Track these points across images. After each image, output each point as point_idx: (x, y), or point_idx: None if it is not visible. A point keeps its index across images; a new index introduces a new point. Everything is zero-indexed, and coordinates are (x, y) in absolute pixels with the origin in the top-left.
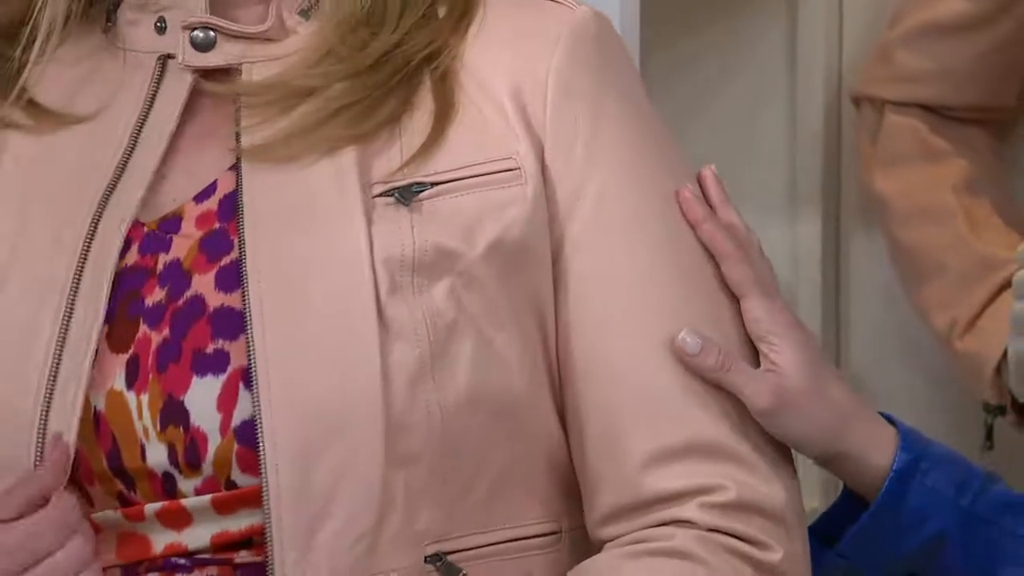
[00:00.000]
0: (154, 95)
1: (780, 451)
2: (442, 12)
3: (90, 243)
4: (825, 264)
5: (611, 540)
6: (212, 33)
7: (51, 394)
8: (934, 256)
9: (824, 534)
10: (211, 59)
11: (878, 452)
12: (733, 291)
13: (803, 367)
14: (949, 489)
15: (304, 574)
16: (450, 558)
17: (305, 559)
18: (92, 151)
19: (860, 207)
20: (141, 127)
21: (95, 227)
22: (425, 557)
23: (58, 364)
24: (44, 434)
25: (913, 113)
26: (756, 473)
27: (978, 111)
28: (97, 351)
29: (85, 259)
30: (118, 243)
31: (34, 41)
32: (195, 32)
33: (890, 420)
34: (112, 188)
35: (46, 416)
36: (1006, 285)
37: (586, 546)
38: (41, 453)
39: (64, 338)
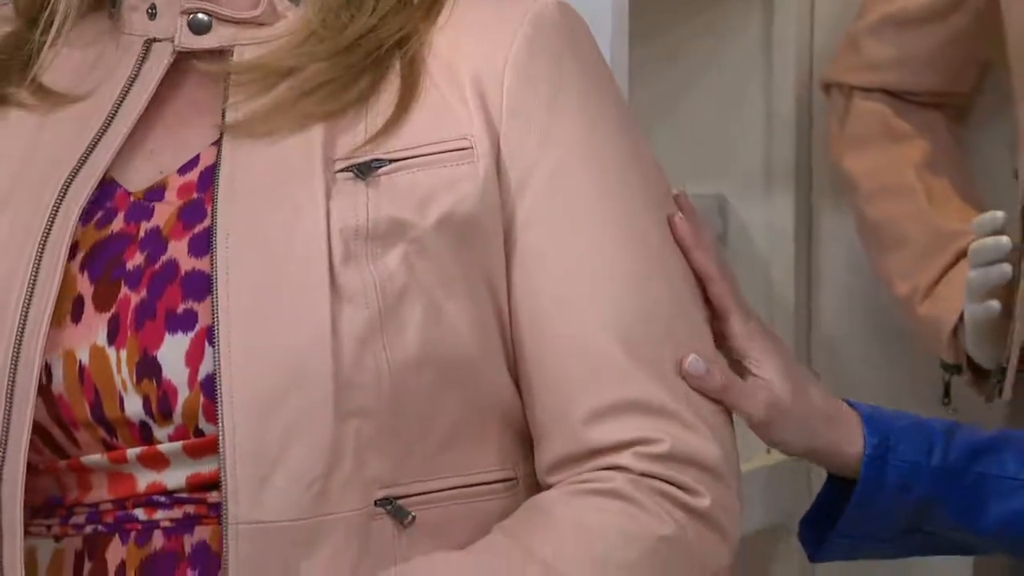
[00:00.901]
0: (135, 76)
1: (719, 416)
2: (412, 1)
3: (60, 202)
4: (798, 236)
5: (557, 485)
6: (208, 17)
7: (19, 347)
8: (897, 229)
9: (818, 520)
10: (206, 41)
11: (849, 442)
12: (717, 311)
13: (786, 376)
14: (920, 456)
15: (256, 515)
16: (400, 502)
17: (258, 500)
18: (80, 125)
19: (830, 184)
20: (122, 103)
21: (67, 187)
22: (375, 501)
23: (25, 319)
24: (13, 385)
25: (878, 98)
26: (693, 431)
27: (937, 96)
28: (69, 307)
29: (54, 217)
30: (82, 201)
31: (51, 25)
32: (192, 16)
33: (852, 406)
34: (88, 154)
35: (15, 368)
36: (962, 255)
37: (540, 491)
38: (8, 418)
39: (32, 292)
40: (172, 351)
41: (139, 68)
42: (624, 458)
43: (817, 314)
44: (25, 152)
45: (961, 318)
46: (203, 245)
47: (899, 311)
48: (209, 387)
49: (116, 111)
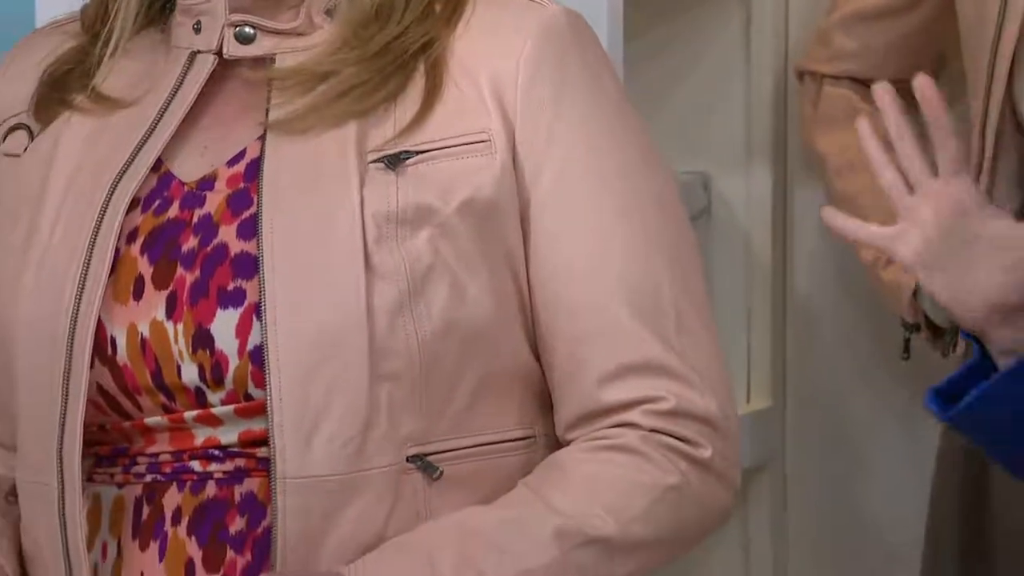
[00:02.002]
0: (180, 83)
1: (718, 373)
2: (438, 8)
3: (112, 193)
4: (775, 207)
5: (574, 441)
6: (252, 30)
7: (75, 321)
8: (863, 201)
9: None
10: (251, 50)
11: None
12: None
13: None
14: None
15: (301, 471)
16: (430, 458)
17: (303, 457)
18: (130, 127)
19: (803, 161)
20: (167, 107)
21: (118, 180)
22: (407, 457)
23: (80, 296)
24: (71, 355)
25: (845, 85)
26: (694, 388)
27: (898, 83)
28: (115, 284)
29: (107, 207)
30: (131, 191)
31: (110, 39)
32: (238, 28)
33: None
34: (137, 151)
35: (72, 339)
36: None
37: (558, 447)
38: (67, 382)
39: (87, 271)
40: (223, 325)
41: (183, 76)
42: (634, 415)
43: (792, 277)
44: (83, 152)
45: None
46: (250, 230)
47: (865, 275)
48: (257, 356)
49: (162, 114)
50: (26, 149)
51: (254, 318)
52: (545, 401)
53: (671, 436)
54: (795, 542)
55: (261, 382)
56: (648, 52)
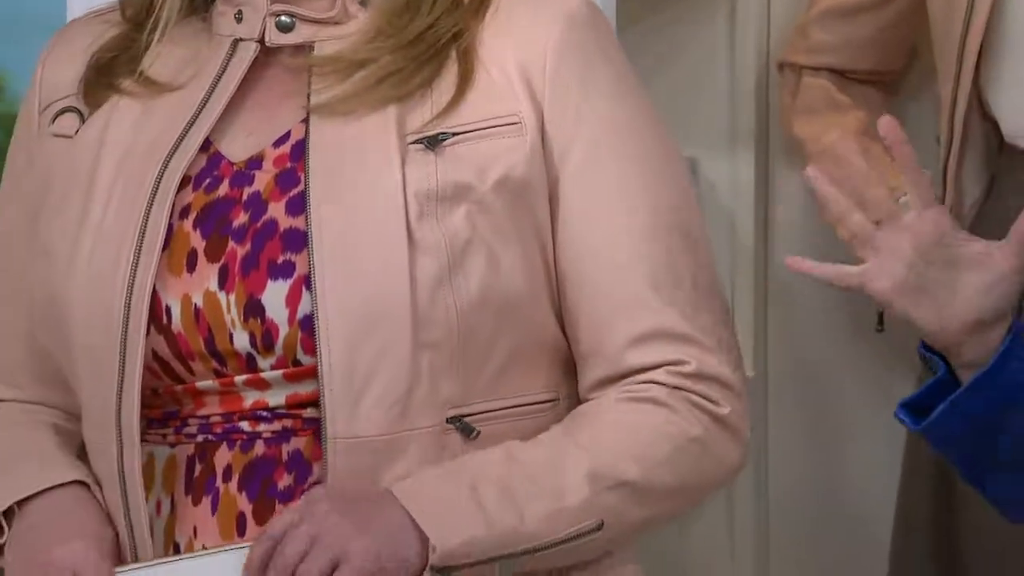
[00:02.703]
0: (224, 68)
1: (731, 339)
2: (466, 0)
3: (163, 171)
4: (757, 189)
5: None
6: (291, 19)
7: (131, 292)
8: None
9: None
10: (290, 38)
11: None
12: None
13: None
14: None
15: (349, 432)
16: (467, 419)
17: (351, 419)
18: (178, 109)
19: (784, 148)
20: (212, 91)
21: (169, 159)
22: (447, 419)
23: (136, 268)
24: (127, 323)
25: (823, 76)
26: (711, 353)
27: (873, 74)
28: (167, 257)
29: (158, 183)
30: (181, 170)
31: (155, 28)
32: (280, 18)
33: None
34: (185, 132)
35: (128, 309)
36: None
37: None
38: (124, 349)
39: (141, 245)
40: (274, 295)
41: (227, 62)
42: (658, 375)
43: (773, 255)
44: (134, 132)
45: None
46: (298, 206)
47: (842, 253)
48: (307, 325)
49: (208, 97)
50: (77, 131)
51: (303, 289)
52: (568, 366)
53: (694, 394)
54: (775, 503)
55: (310, 349)
56: (638, 42)
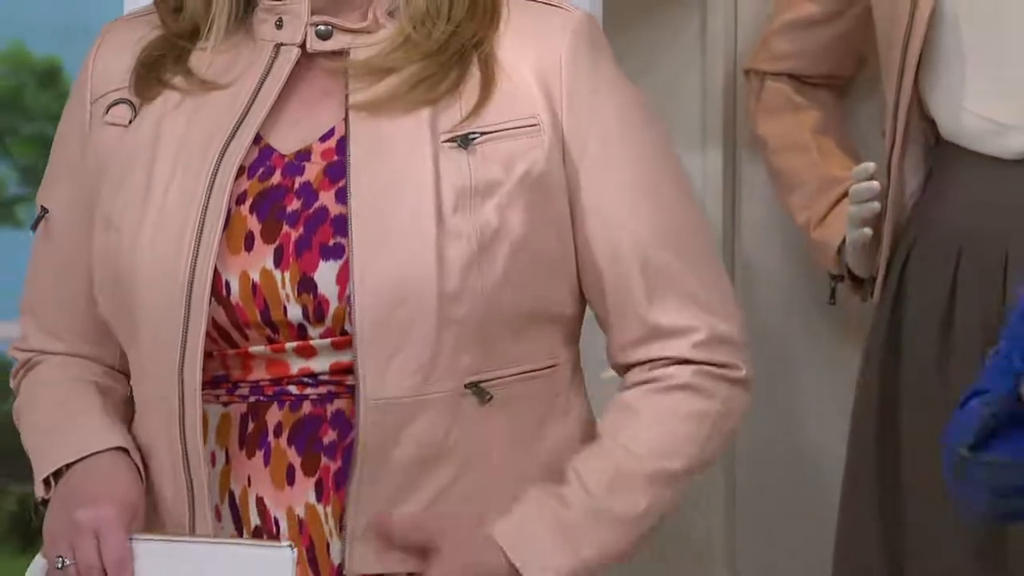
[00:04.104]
0: (268, 70)
1: (729, 296)
2: (479, 10)
3: (221, 160)
4: (725, 181)
5: (629, 364)
6: (329, 28)
7: (194, 268)
8: (797, 176)
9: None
10: (328, 45)
11: None
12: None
13: None
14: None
15: (379, 394)
16: (482, 385)
17: (381, 382)
18: (228, 105)
19: (749, 143)
20: (259, 89)
21: (225, 150)
22: (464, 384)
23: (198, 247)
24: (191, 296)
25: (783, 80)
26: (716, 314)
27: (827, 78)
28: (227, 237)
29: (216, 171)
30: (237, 160)
31: (209, 35)
32: (319, 27)
33: None
34: (238, 126)
35: (191, 283)
36: (844, 195)
37: (571, 372)
38: (188, 316)
39: (202, 227)
40: (326, 274)
41: (271, 64)
42: (684, 349)
43: (740, 240)
44: (187, 126)
45: (843, 241)
46: (344, 196)
47: (799, 236)
48: (352, 300)
49: (257, 94)
50: (130, 121)
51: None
52: (567, 335)
53: (713, 365)
54: (741, 452)
55: (355, 320)
56: (621, 51)
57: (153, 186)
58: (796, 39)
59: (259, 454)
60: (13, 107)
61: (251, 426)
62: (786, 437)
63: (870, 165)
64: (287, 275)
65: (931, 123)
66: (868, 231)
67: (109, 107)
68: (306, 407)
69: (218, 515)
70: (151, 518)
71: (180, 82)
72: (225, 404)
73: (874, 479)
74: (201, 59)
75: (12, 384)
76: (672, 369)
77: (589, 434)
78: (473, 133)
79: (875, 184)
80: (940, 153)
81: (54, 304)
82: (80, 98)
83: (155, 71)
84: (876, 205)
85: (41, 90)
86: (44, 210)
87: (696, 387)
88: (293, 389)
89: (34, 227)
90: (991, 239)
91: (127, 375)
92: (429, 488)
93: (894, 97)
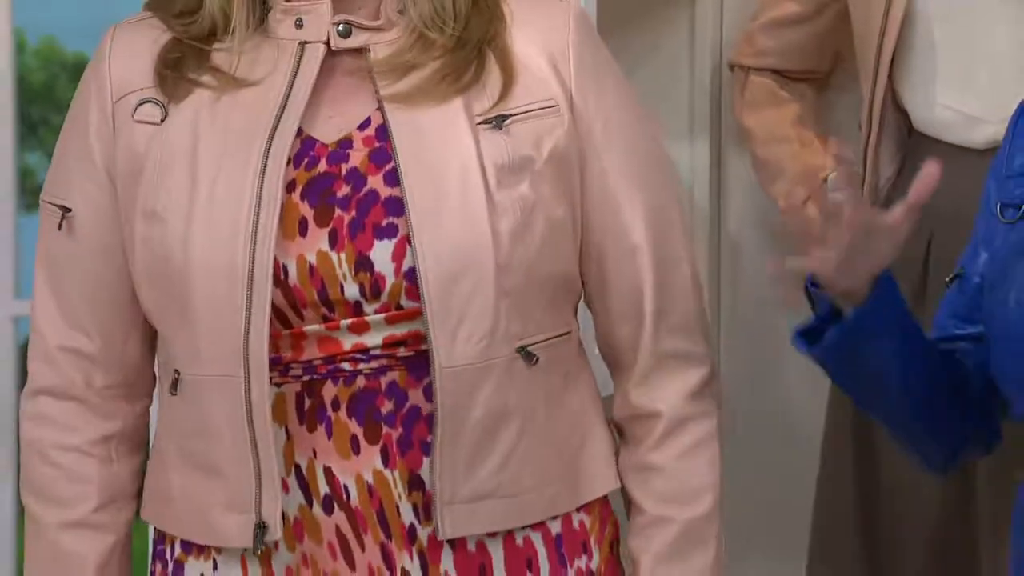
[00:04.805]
0: (298, 67)
1: (695, 274)
2: (483, 9)
3: (268, 150)
4: (711, 169)
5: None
6: (349, 26)
7: (253, 253)
8: (779, 165)
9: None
10: (349, 43)
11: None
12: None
13: None
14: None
15: (450, 359)
16: (529, 348)
17: (451, 349)
18: (263, 100)
19: (734, 135)
20: (292, 84)
21: (271, 141)
22: (515, 349)
23: (255, 234)
24: (252, 280)
25: (766, 75)
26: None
27: (807, 73)
28: (283, 226)
29: (266, 161)
30: (286, 150)
31: (233, 36)
32: (339, 25)
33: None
34: (277, 121)
35: (252, 267)
36: (823, 181)
37: (578, 340)
38: (250, 299)
39: (257, 214)
40: (381, 252)
41: (299, 61)
42: (678, 406)
43: (725, 225)
44: (225, 121)
45: None
46: (392, 178)
47: (778, 217)
48: (410, 276)
49: (290, 90)
50: (162, 120)
51: (407, 245)
52: (575, 305)
53: (708, 400)
54: (728, 414)
55: (412, 295)
56: (615, 48)
57: (199, 179)
58: (779, 36)
59: (320, 428)
60: (46, 99)
61: (308, 403)
62: (771, 423)
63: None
64: (343, 256)
65: (904, 115)
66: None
67: (137, 106)
68: (360, 381)
69: (285, 487)
70: (201, 495)
71: (210, 80)
72: (278, 385)
73: (851, 458)
74: (225, 58)
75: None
76: (690, 427)
77: (597, 392)
78: (504, 115)
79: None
80: (913, 143)
81: (79, 297)
82: (100, 98)
83: (179, 71)
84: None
85: (72, 83)
86: (65, 210)
87: (707, 438)
88: (346, 366)
89: (59, 227)
90: (961, 222)
91: (139, 372)
92: (501, 448)
93: (870, 91)
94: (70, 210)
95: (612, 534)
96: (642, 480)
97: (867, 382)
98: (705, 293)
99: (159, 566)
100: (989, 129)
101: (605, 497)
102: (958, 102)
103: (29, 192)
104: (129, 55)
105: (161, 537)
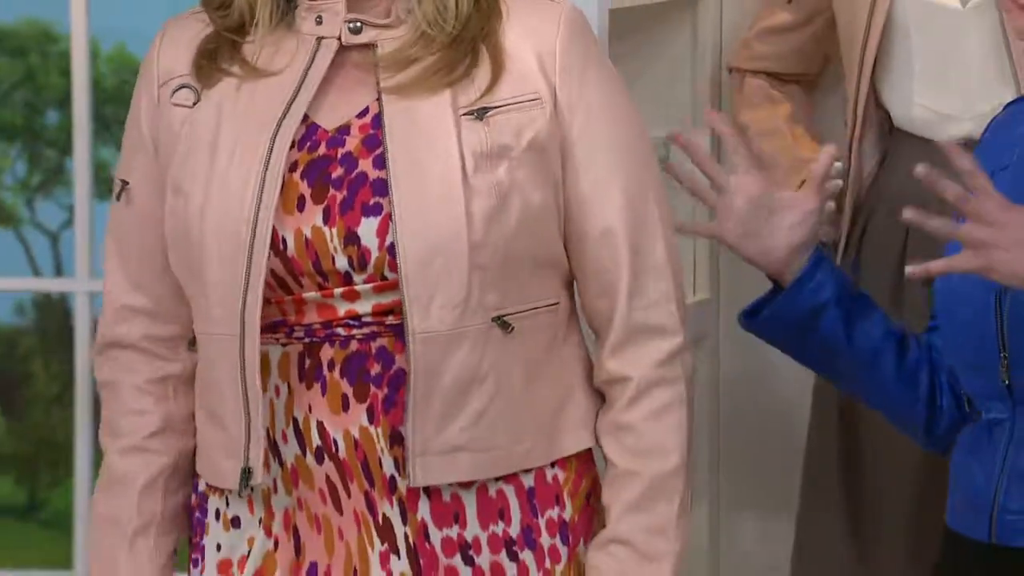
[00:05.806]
0: (312, 60)
1: (676, 260)
2: (482, 8)
3: (276, 134)
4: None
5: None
6: (359, 24)
7: (255, 227)
8: (773, 157)
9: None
10: (359, 39)
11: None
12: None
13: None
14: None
15: (425, 327)
16: (505, 318)
17: (425, 318)
18: (279, 89)
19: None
20: (305, 76)
21: (279, 126)
22: (491, 318)
23: (258, 208)
24: (252, 249)
25: (761, 77)
26: (668, 281)
27: (798, 75)
28: (284, 201)
29: (273, 144)
30: (291, 134)
31: (247, 27)
32: (350, 23)
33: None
34: (288, 108)
35: (253, 239)
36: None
37: (568, 310)
38: (249, 265)
39: (262, 191)
40: (368, 228)
41: (314, 54)
42: (646, 371)
43: None
44: (245, 106)
45: None
46: (381, 162)
47: None
48: (392, 250)
49: (303, 80)
50: (194, 104)
51: (390, 223)
52: (564, 279)
53: (677, 367)
54: (724, 394)
55: (394, 267)
56: (626, 52)
57: (217, 157)
58: (772, 43)
59: (316, 386)
60: (118, 100)
61: (308, 362)
62: (763, 375)
63: (833, 148)
64: (334, 231)
65: (885, 113)
66: (832, 204)
67: (175, 91)
68: (353, 345)
69: (284, 438)
70: (210, 441)
71: (237, 70)
72: (284, 345)
73: (835, 440)
74: (251, 50)
75: (94, 356)
76: (656, 392)
77: (586, 359)
78: (487, 107)
79: (839, 165)
80: (893, 139)
81: (137, 260)
82: (148, 83)
83: (213, 61)
84: (838, 183)
85: None
86: (124, 183)
87: (677, 401)
88: (341, 331)
89: (117, 197)
90: (936, 212)
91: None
92: (471, 409)
93: (854, 91)
94: (128, 183)
95: (588, 487)
96: (614, 438)
97: (814, 355)
98: (706, 266)
99: (195, 497)
100: (963, 126)
101: (589, 454)
102: (934, 102)
103: (103, 182)
104: (175, 46)
105: (197, 472)
